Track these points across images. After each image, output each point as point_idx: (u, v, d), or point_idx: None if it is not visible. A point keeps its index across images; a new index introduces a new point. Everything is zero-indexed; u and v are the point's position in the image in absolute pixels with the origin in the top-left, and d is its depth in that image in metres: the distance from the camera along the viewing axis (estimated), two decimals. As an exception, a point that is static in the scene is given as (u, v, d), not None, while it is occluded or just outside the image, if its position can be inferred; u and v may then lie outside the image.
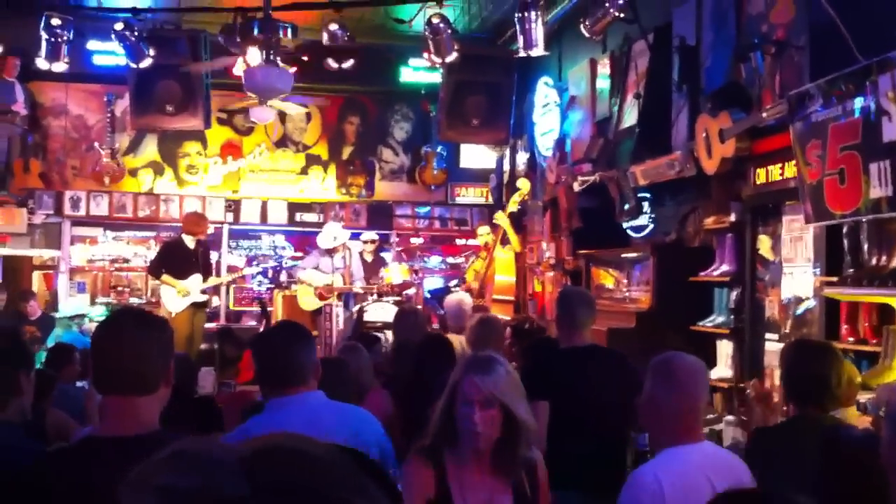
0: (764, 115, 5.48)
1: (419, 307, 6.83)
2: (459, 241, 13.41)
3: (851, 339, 5.20)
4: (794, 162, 5.54)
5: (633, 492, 2.80)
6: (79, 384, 7.17)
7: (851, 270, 5.15)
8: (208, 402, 6.12)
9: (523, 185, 10.60)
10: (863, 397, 4.51)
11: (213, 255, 12.04)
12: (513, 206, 10.58)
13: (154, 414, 2.28)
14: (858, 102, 4.60)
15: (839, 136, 4.76)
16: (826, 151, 4.86)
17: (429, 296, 12.20)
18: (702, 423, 2.99)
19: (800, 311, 5.89)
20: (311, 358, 3.16)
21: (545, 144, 10.84)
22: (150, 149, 12.46)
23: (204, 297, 10.58)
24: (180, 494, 0.87)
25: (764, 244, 6.47)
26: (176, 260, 10.40)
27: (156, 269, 10.59)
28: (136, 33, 8.75)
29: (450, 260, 13.50)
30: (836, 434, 3.07)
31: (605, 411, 4.26)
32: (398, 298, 10.74)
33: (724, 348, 6.79)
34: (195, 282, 10.37)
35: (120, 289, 12.47)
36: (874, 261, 4.94)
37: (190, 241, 10.53)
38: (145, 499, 0.89)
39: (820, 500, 2.57)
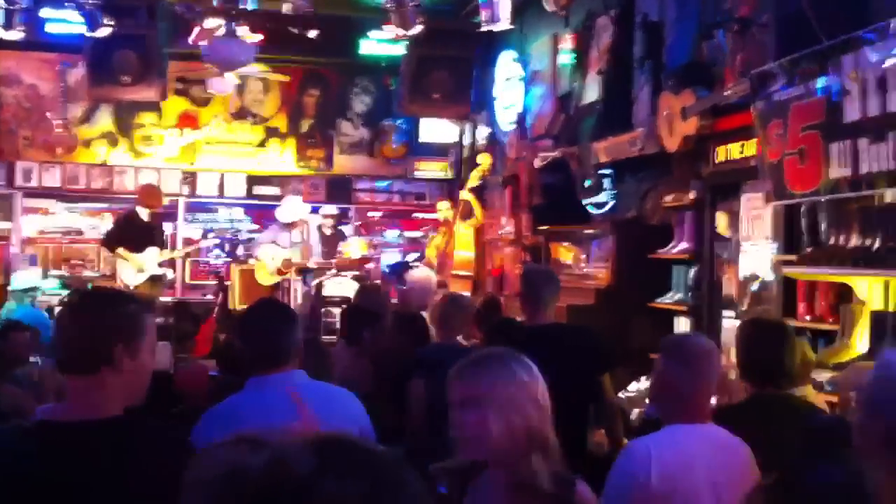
0: (727, 93, 5.50)
1: (379, 283, 6.78)
2: (417, 216, 13.36)
3: (808, 317, 5.26)
4: (755, 140, 5.56)
5: (623, 461, 2.85)
6: (32, 359, 7.06)
7: (809, 249, 5.19)
8: (165, 378, 6.05)
9: (484, 160, 10.58)
10: (819, 376, 4.57)
11: (168, 229, 11.90)
12: (473, 181, 10.56)
13: (111, 396, 2.23)
14: (821, 82, 4.61)
15: (801, 116, 4.78)
16: (787, 131, 4.88)
17: (387, 270, 12.16)
18: (710, 404, 3.00)
19: (756, 288, 5.94)
20: (296, 339, 3.18)
21: (506, 119, 10.79)
22: (104, 119, 12.22)
23: (161, 271, 10.46)
24: (250, 473, 0.88)
25: (721, 222, 6.51)
26: (131, 233, 10.26)
27: (111, 242, 10.43)
28: (92, 1, 8.56)
29: (408, 234, 13.46)
30: (814, 419, 3.10)
31: (569, 389, 4.26)
32: (357, 273, 10.70)
33: (682, 325, 6.84)
34: (151, 255, 10.24)
35: (73, 262, 12.25)
36: (832, 240, 4.98)
37: (144, 214, 10.38)
38: (214, 480, 0.90)
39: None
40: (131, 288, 9.93)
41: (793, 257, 5.26)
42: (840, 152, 4.45)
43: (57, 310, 10.77)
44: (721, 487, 2.82)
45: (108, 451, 2.18)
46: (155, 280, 10.35)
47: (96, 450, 2.17)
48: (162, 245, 10.62)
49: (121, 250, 10.21)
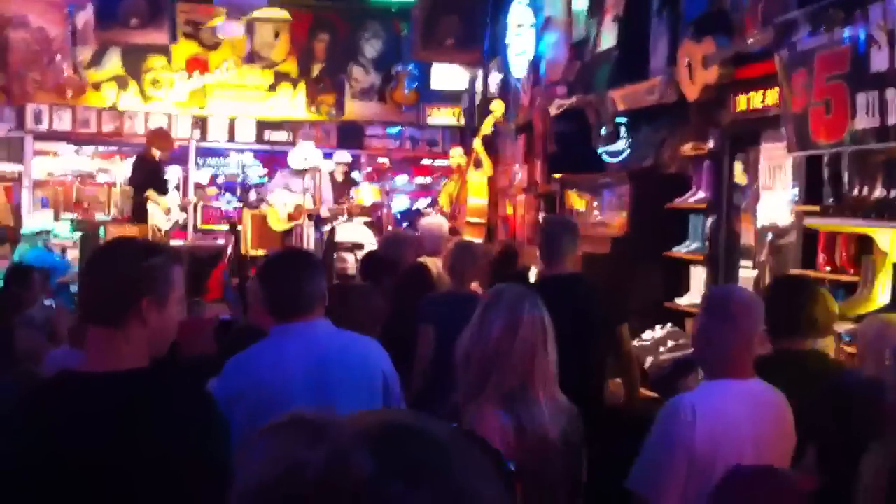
0: (749, 41, 5.41)
1: (405, 231, 6.74)
2: (426, 162, 13.29)
3: (828, 268, 5.22)
4: (776, 90, 5.48)
5: (666, 419, 2.82)
6: (46, 303, 7.08)
7: (831, 200, 5.15)
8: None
9: (496, 107, 10.48)
10: (840, 327, 4.55)
11: (179, 173, 11.88)
12: (486, 128, 10.47)
13: (135, 348, 2.21)
14: (847, 32, 4.53)
15: (826, 66, 4.70)
16: (812, 80, 4.80)
17: (398, 216, 12.14)
18: (752, 359, 2.96)
19: (775, 238, 5.90)
20: (320, 286, 3.13)
21: (519, 66, 10.67)
22: (113, 62, 12.11)
23: (184, 215, 10.44)
24: (308, 471, 0.83)
25: (737, 170, 6.45)
26: (152, 175, 10.22)
27: (140, 183, 10.35)
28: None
29: (418, 181, 13.40)
30: (843, 378, 3.08)
31: (586, 339, 4.26)
32: (368, 219, 10.69)
33: (698, 275, 6.81)
34: (174, 199, 10.27)
35: (86, 205, 12.24)
36: (856, 191, 4.93)
37: (157, 157, 10.35)
38: (268, 470, 0.85)
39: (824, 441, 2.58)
40: (163, 232, 9.92)
41: (815, 208, 5.21)
42: (867, 103, 4.38)
43: (67, 252, 10.86)
44: (763, 443, 2.81)
45: (131, 404, 2.15)
46: (177, 224, 10.40)
47: (119, 402, 2.15)
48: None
49: (150, 192, 10.16)
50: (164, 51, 11.83)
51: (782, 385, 3.02)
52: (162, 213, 10.20)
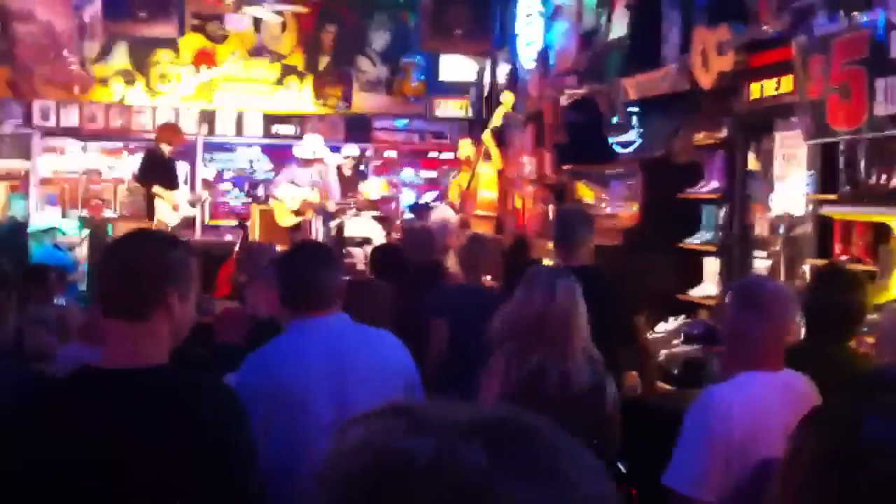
0: (765, 27, 5.33)
1: (425, 225, 6.68)
2: (433, 155, 13.21)
3: (844, 257, 5.16)
4: (790, 77, 5.41)
5: (700, 411, 2.76)
6: (56, 301, 7.04)
7: (848, 188, 5.08)
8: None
9: (506, 98, 10.41)
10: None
11: (187, 167, 11.82)
12: (496, 120, 10.41)
13: (158, 343, 2.16)
14: (866, 16, 4.46)
15: (844, 51, 4.63)
16: (830, 66, 4.73)
17: (407, 210, 12.07)
18: (783, 350, 2.90)
19: (789, 228, 5.83)
20: (337, 280, 3.09)
21: (528, 56, 10.59)
22: (120, 57, 12.05)
23: (193, 211, 10.34)
24: (417, 460, 0.77)
25: (750, 159, 6.38)
26: (160, 170, 10.16)
27: (145, 179, 10.29)
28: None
29: (423, 174, 13.33)
30: (881, 373, 3.01)
31: (598, 330, 4.20)
32: (377, 213, 10.63)
33: (711, 265, 6.75)
34: (182, 194, 10.19)
35: (94, 202, 12.18)
36: (873, 179, 4.86)
37: (167, 152, 10.28)
38: (366, 458, 0.79)
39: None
40: (170, 228, 9.86)
41: (831, 196, 5.14)
42: (885, 88, 4.31)
43: (75, 249, 10.83)
44: None
45: (156, 401, 2.11)
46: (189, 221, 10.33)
47: (143, 399, 2.10)
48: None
49: (157, 188, 10.11)
50: (171, 44, 11.77)
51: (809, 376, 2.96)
52: (170, 208, 10.14)
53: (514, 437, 0.81)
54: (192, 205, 10.91)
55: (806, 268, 5.43)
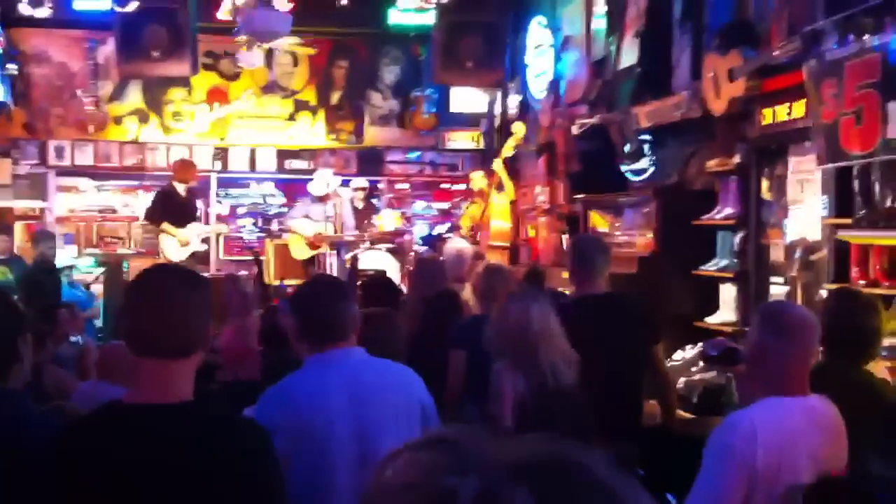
0: (776, 52, 5.34)
1: (437, 256, 6.69)
2: (445, 186, 13.24)
3: (862, 281, 5.12)
4: (802, 101, 5.41)
5: (725, 435, 2.74)
6: (72, 339, 7.05)
7: (864, 212, 5.06)
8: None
9: (518, 129, 10.44)
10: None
11: (200, 204, 11.88)
12: (508, 150, 10.43)
13: (189, 381, 2.17)
14: (877, 40, 4.46)
15: (856, 75, 4.63)
16: (842, 90, 4.73)
17: (420, 243, 12.08)
18: (808, 375, 2.89)
19: (805, 253, 5.80)
20: (353, 313, 3.09)
21: (538, 87, 10.64)
22: (134, 96, 12.18)
23: (204, 247, 10.44)
24: (459, 501, 0.74)
25: (763, 185, 6.36)
26: (171, 208, 10.25)
27: (154, 217, 10.41)
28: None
29: (436, 206, 13.35)
30: None
31: (619, 359, 4.18)
32: (391, 246, 10.64)
33: (728, 292, 6.71)
34: (194, 230, 10.26)
35: (109, 240, 12.25)
36: (888, 202, 4.84)
37: (181, 189, 10.37)
38: (409, 496, 0.77)
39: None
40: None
41: (847, 220, 5.12)
42: (899, 111, 4.31)
43: (95, 288, 10.85)
44: (820, 458, 2.74)
45: (193, 436, 2.11)
46: (196, 256, 10.37)
47: (177, 435, 2.11)
48: (197, 220, 10.62)
49: (165, 225, 10.19)
50: (184, 83, 11.88)
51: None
52: (177, 245, 10.21)
53: (563, 478, 0.77)
54: (205, 240, 10.96)
55: (823, 293, 5.40)
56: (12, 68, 10.68)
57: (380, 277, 6.37)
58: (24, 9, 8.66)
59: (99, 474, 2.06)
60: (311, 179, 11.04)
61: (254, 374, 5.23)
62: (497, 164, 10.34)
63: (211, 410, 2.23)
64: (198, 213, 11.06)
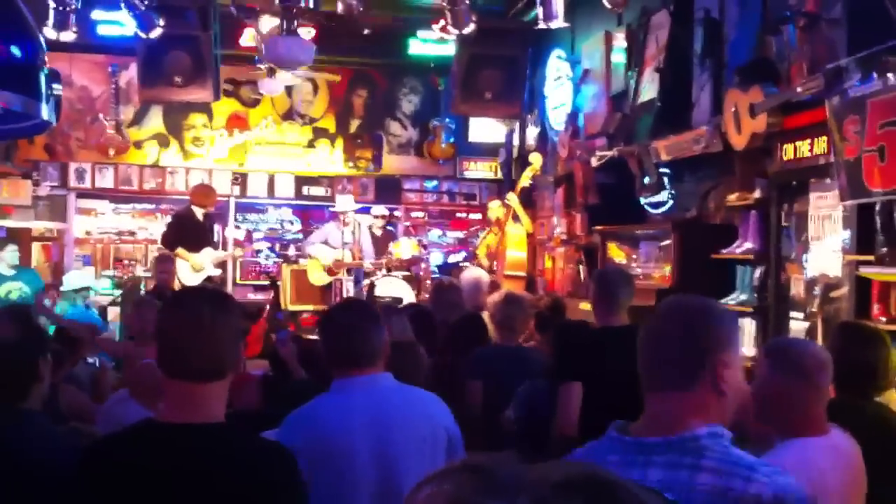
0: (799, 89, 5.36)
1: (455, 282, 6.70)
2: (461, 215, 13.29)
3: (884, 318, 5.11)
4: (824, 138, 5.43)
5: None
6: (89, 360, 7.08)
7: (885, 249, 5.05)
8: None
9: (535, 160, 10.48)
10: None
11: (218, 229, 11.94)
12: (524, 181, 10.47)
13: (222, 402, 2.19)
14: (900, 78, 4.48)
15: (880, 112, 4.65)
16: (865, 127, 4.75)
17: (436, 270, 12.11)
18: (825, 413, 2.85)
19: (826, 289, 5.79)
20: (381, 338, 3.06)
21: (557, 119, 10.70)
22: (154, 121, 12.30)
23: (218, 272, 10.48)
24: None
25: (784, 220, 6.37)
26: (187, 233, 10.30)
27: (169, 242, 10.47)
28: (145, 2, 8.58)
29: (452, 234, 13.39)
30: None
31: (639, 392, 4.17)
32: (407, 273, 10.67)
33: (748, 327, 6.70)
34: (208, 255, 10.29)
35: (126, 262, 12.33)
36: (910, 240, 4.85)
37: (199, 214, 10.43)
38: None
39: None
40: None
41: (869, 257, 5.12)
42: (923, 149, 4.32)
43: (112, 310, 10.89)
44: (848, 496, 2.72)
45: (224, 456, 2.14)
46: (210, 280, 10.38)
47: (214, 453, 2.13)
48: (214, 245, 10.66)
49: (180, 250, 10.24)
50: (204, 108, 11.99)
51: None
52: (190, 270, 10.24)
53: (608, 492, 0.79)
54: (219, 265, 11.00)
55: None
56: (58, 88, 10.73)
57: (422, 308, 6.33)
58: (49, 32, 8.72)
59: (127, 490, 2.07)
60: (328, 206, 11.12)
61: (251, 403, 5.22)
62: (511, 197, 10.38)
63: (240, 433, 2.24)
64: (215, 238, 11.11)
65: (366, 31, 8.99)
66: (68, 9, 8.73)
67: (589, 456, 2.02)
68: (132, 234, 12.50)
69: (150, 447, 2.13)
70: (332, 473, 2.86)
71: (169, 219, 11.61)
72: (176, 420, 2.17)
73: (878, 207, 5.07)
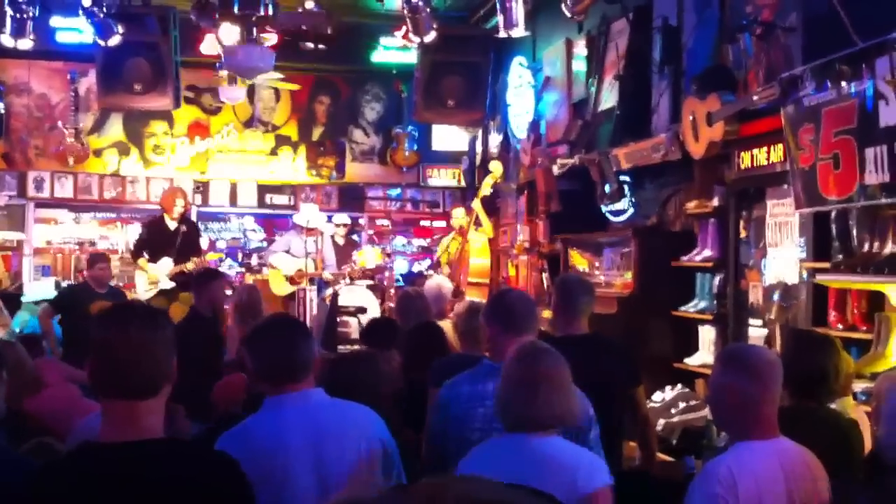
0: (755, 98, 5.40)
1: (421, 291, 6.67)
2: (425, 223, 13.28)
3: (840, 325, 5.16)
4: (780, 146, 5.47)
5: (708, 486, 2.71)
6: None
7: (841, 257, 5.10)
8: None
9: (495, 168, 10.51)
10: (857, 386, 4.48)
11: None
12: (485, 188, 10.49)
13: (160, 417, 2.16)
14: (854, 86, 4.52)
15: (833, 121, 4.69)
16: (819, 136, 4.79)
17: (400, 279, 12.08)
18: (776, 417, 2.88)
19: (783, 296, 5.83)
20: (311, 352, 3.04)
21: (519, 126, 10.72)
22: (114, 129, 12.18)
23: (172, 284, 9.95)
24: None
25: (742, 227, 6.41)
26: (155, 241, 10.08)
27: (136, 249, 10.23)
28: (104, 9, 8.47)
29: (416, 242, 13.38)
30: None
31: (601, 400, 4.17)
32: (371, 282, 10.63)
33: (707, 334, 6.74)
34: (165, 267, 10.02)
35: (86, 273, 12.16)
36: (866, 247, 4.89)
37: (170, 222, 10.17)
38: None
39: None
40: (143, 301, 9.76)
41: (825, 264, 5.16)
42: (876, 157, 4.36)
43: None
44: (798, 501, 2.74)
45: (166, 474, 2.10)
46: (165, 294, 10.06)
47: (150, 472, 2.10)
48: (194, 252, 10.21)
49: (141, 261, 10.01)
50: (165, 116, 11.88)
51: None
52: (145, 281, 10.01)
53: None
54: (172, 278, 10.78)
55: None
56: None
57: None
58: (7, 40, 8.60)
59: None
60: (292, 215, 11.03)
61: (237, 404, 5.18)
62: (476, 203, 10.40)
63: (181, 446, 2.22)
64: (196, 244, 10.63)
65: (328, 31, 8.89)
66: (26, 16, 8.61)
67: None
68: (93, 243, 12.33)
69: (92, 470, 2.10)
70: (269, 491, 2.79)
71: (130, 227, 11.47)
72: (116, 439, 2.13)
73: (833, 215, 5.11)
